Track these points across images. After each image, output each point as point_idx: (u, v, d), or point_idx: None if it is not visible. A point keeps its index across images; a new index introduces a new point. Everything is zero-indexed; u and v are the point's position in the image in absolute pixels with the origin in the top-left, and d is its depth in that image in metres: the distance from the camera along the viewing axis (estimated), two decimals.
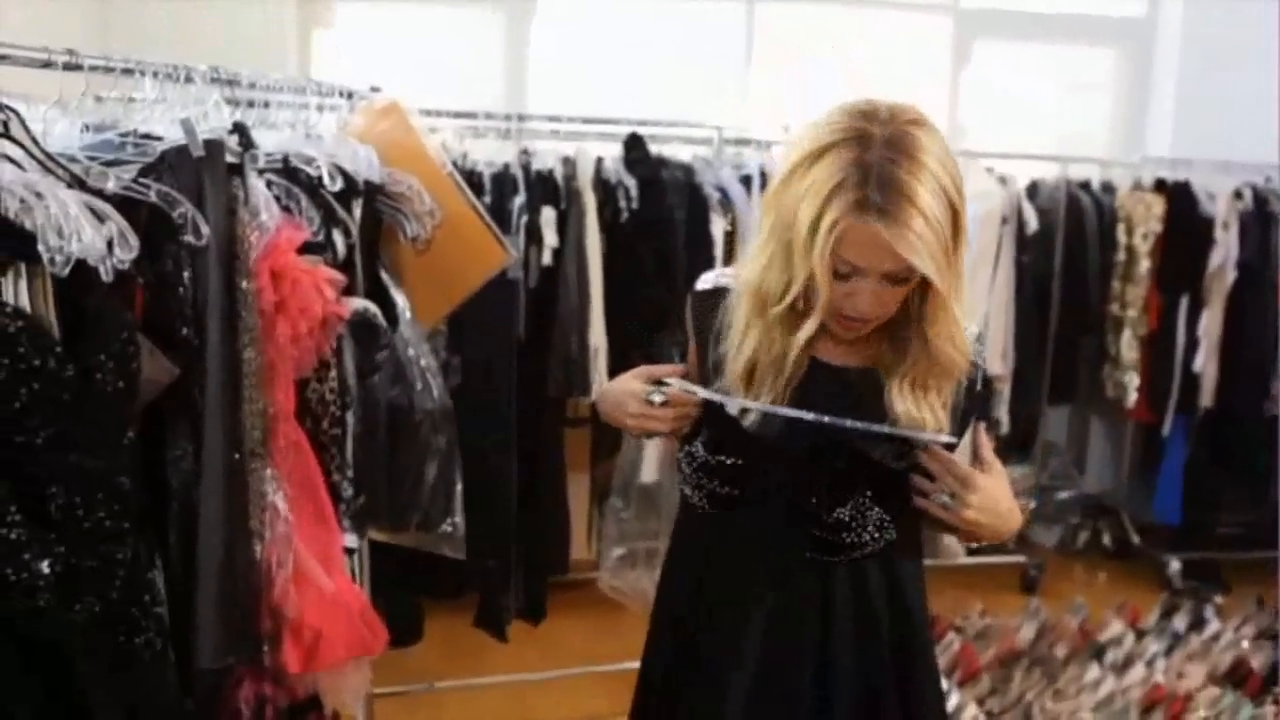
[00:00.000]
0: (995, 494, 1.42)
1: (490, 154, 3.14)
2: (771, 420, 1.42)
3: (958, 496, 1.40)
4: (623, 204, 3.04)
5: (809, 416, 1.37)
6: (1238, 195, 4.10)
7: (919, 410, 1.42)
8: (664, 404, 1.48)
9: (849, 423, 1.38)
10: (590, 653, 3.37)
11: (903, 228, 1.27)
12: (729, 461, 1.50)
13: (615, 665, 3.16)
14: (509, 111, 3.43)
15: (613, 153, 3.26)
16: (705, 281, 1.59)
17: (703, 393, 1.46)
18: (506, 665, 3.25)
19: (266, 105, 2.03)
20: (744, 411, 1.42)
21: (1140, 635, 3.61)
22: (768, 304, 1.42)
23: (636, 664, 1.70)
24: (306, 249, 1.64)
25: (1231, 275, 4.08)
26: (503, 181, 2.94)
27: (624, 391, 1.54)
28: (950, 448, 1.44)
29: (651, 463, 3.22)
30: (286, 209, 1.67)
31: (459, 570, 2.75)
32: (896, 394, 1.44)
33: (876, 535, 1.48)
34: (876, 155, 1.29)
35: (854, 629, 1.51)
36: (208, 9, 3.85)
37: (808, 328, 1.40)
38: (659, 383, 1.52)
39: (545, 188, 2.99)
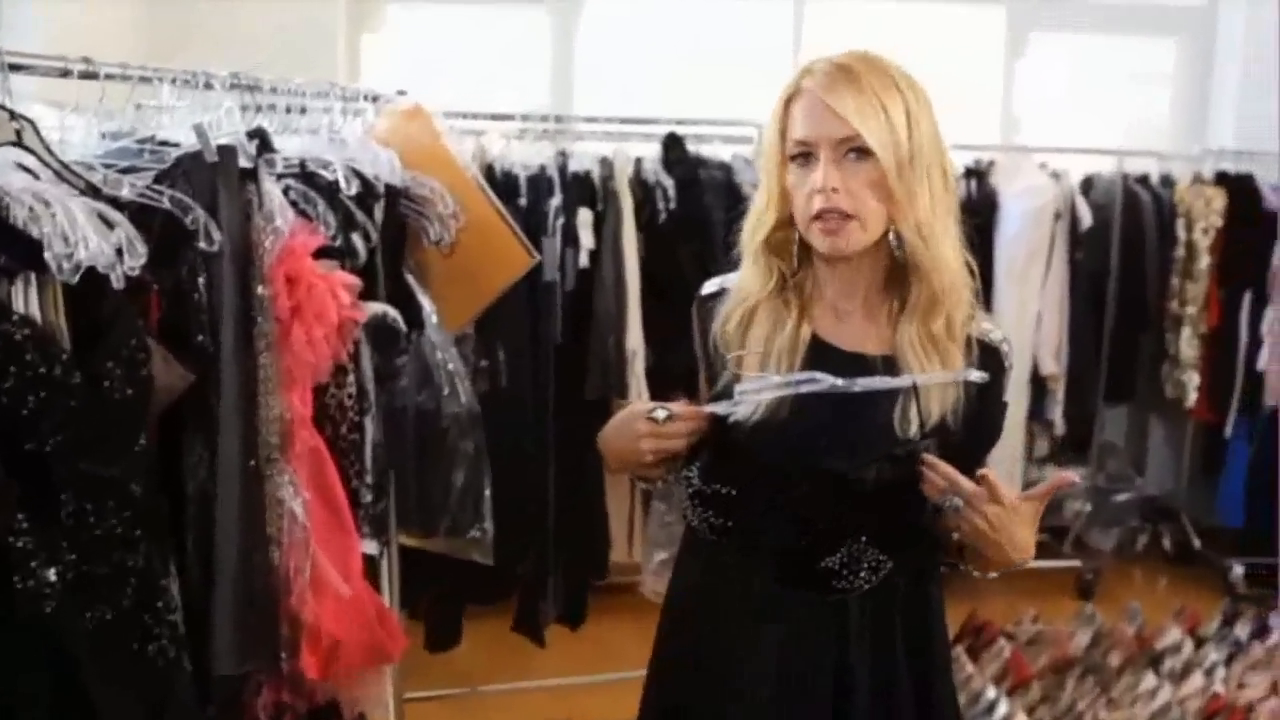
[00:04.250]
0: (1016, 520, 1.36)
1: (533, 156, 3.14)
2: (777, 412, 1.40)
3: (971, 504, 1.35)
4: (661, 204, 3.02)
5: (818, 382, 1.36)
6: None
7: (930, 368, 1.40)
8: (668, 418, 1.42)
9: (860, 382, 1.36)
10: (633, 657, 3.33)
11: (839, 87, 1.35)
12: (723, 490, 1.46)
13: None
14: (555, 113, 3.42)
15: (655, 153, 3.24)
16: (710, 285, 1.56)
17: (708, 407, 1.43)
18: (549, 669, 3.24)
19: (304, 111, 2.03)
20: (747, 398, 1.40)
21: (1200, 643, 3.50)
22: (755, 235, 1.46)
23: None
24: (323, 253, 1.64)
25: None
26: (539, 183, 2.93)
27: (627, 417, 1.48)
28: (980, 393, 1.41)
29: None
30: (304, 214, 1.67)
31: (499, 574, 2.75)
32: (909, 352, 1.42)
33: (871, 577, 1.44)
34: (827, 57, 1.40)
35: (872, 654, 1.46)
36: (257, 13, 3.90)
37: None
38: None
39: (582, 189, 2.98)
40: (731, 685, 1.48)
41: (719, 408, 1.42)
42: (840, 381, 1.36)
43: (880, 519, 1.42)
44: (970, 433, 1.44)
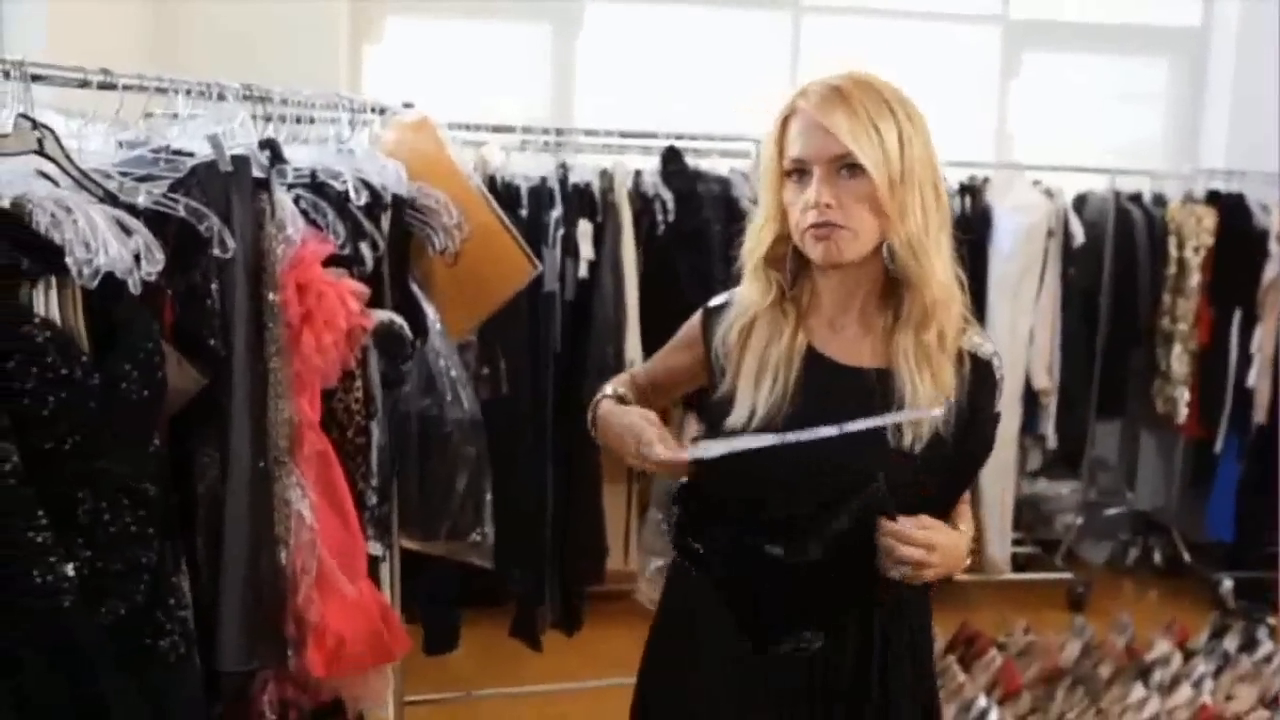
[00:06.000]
0: (947, 547, 1.45)
1: (534, 167, 3.18)
2: (771, 428, 1.45)
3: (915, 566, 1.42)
4: (660, 216, 3.06)
5: (790, 436, 1.40)
6: None
7: (921, 380, 1.45)
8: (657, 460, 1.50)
9: (806, 435, 1.40)
10: (628, 663, 3.35)
11: (833, 107, 1.41)
12: (694, 546, 1.60)
13: None
14: (556, 125, 3.46)
15: (654, 166, 3.29)
16: (718, 299, 1.62)
17: (688, 452, 1.48)
18: (544, 675, 3.27)
19: (312, 121, 2.07)
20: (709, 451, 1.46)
21: (1188, 655, 3.54)
22: (755, 249, 1.52)
23: None
24: (332, 262, 1.67)
25: None
26: (539, 194, 2.97)
27: (626, 432, 1.54)
28: (972, 406, 1.48)
29: None
30: (314, 223, 1.70)
31: (497, 579, 2.78)
32: (903, 363, 1.46)
33: (815, 639, 1.54)
34: (822, 79, 1.46)
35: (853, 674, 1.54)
36: (261, 24, 3.93)
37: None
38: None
39: (582, 201, 3.02)
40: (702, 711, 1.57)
41: (696, 451, 1.47)
42: (790, 436, 1.40)
43: (819, 598, 1.50)
44: (962, 446, 1.48)
